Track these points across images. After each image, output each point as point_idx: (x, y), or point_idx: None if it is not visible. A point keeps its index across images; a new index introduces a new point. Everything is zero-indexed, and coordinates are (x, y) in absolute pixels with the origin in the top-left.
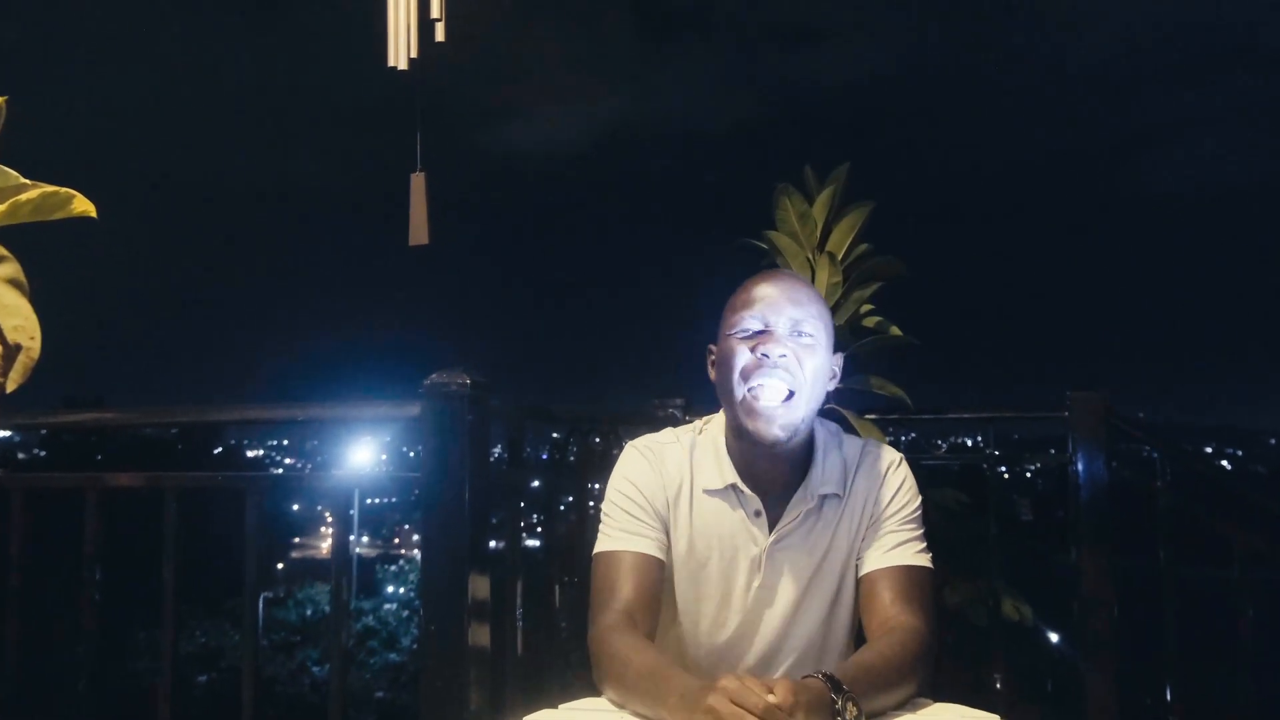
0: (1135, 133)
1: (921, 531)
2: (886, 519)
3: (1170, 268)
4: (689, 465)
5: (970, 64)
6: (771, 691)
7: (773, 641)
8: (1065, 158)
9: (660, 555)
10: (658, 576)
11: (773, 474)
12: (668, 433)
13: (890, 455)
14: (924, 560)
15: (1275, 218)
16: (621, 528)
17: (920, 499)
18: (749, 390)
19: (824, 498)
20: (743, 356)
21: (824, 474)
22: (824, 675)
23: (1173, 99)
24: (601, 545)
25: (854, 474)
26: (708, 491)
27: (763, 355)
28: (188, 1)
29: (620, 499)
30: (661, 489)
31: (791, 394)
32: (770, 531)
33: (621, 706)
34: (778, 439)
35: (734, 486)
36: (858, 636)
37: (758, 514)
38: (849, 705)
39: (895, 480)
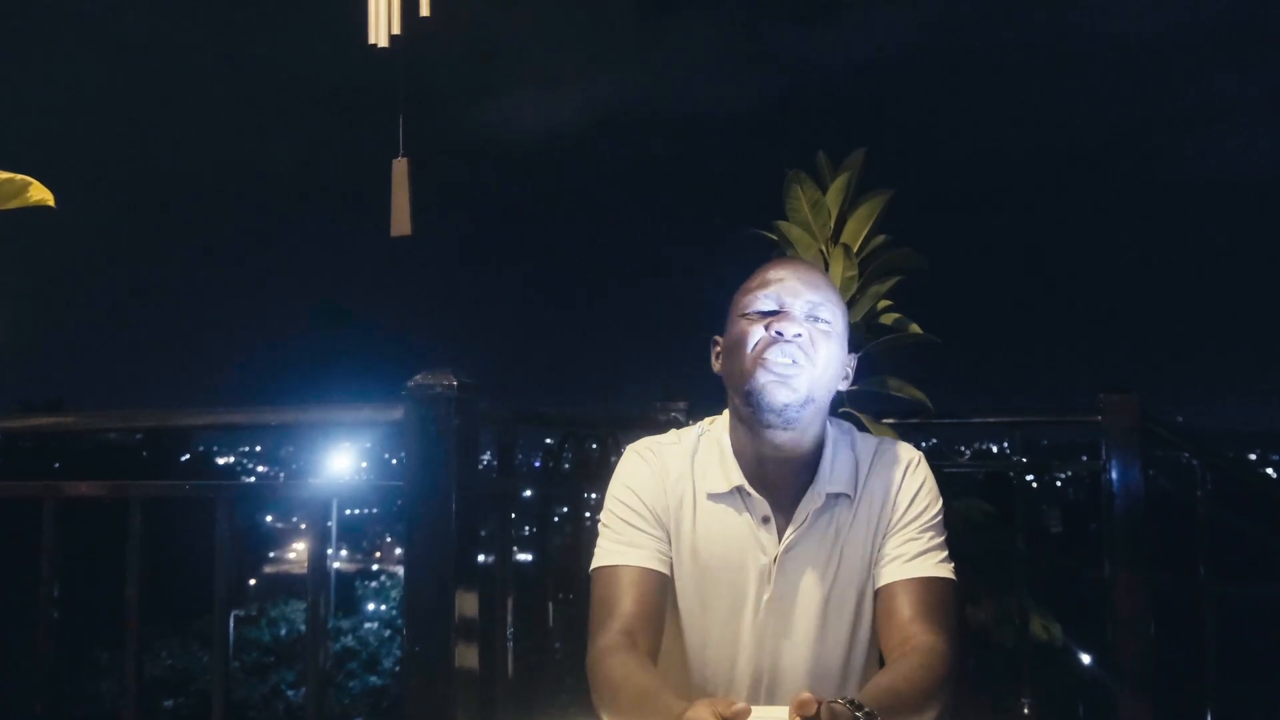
0: (1172, 117)
1: (943, 539)
2: (905, 525)
3: (1210, 261)
4: (691, 469)
5: (997, 43)
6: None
7: (789, 662)
8: (1096, 144)
9: (662, 568)
10: (660, 591)
11: (781, 474)
12: (671, 434)
13: (908, 454)
14: (946, 571)
15: None
16: (620, 539)
17: (941, 502)
18: (759, 358)
19: (833, 497)
20: (755, 333)
21: (833, 472)
22: (848, 701)
23: (1214, 81)
24: (599, 560)
25: (867, 473)
26: (712, 496)
27: (777, 333)
28: None
29: (619, 508)
30: (664, 495)
31: (803, 365)
32: (779, 539)
33: None
34: (787, 404)
35: (740, 490)
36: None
37: (766, 520)
38: None
39: (914, 482)
